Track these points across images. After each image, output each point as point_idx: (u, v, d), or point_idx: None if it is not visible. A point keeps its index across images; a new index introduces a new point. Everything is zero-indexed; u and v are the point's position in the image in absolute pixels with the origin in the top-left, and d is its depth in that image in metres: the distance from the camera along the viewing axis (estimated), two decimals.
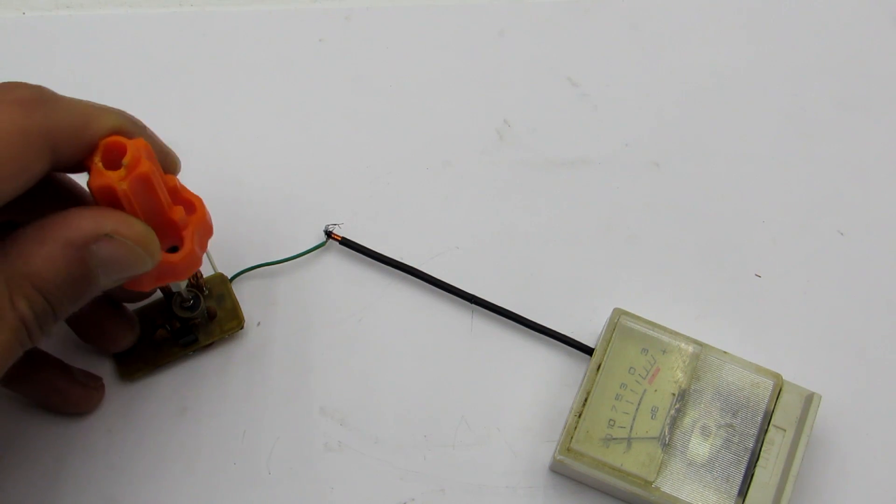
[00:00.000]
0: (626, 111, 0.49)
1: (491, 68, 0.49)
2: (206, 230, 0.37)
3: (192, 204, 0.36)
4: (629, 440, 0.39)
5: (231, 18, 0.50)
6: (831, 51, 0.51)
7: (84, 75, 0.48)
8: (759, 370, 0.40)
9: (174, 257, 0.35)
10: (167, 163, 0.37)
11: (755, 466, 0.39)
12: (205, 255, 0.43)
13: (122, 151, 0.32)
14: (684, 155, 0.48)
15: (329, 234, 0.44)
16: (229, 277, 0.43)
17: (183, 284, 0.40)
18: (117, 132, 0.33)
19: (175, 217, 0.34)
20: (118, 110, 0.34)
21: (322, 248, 0.44)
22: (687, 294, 0.45)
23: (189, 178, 0.45)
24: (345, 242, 0.44)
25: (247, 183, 0.46)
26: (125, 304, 0.41)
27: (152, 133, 0.36)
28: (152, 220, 0.34)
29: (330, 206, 0.46)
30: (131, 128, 0.34)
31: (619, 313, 0.41)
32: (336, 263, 0.45)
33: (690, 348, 0.40)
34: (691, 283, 0.45)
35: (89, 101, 0.34)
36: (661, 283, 0.45)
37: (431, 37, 0.50)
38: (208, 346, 0.42)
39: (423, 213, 0.46)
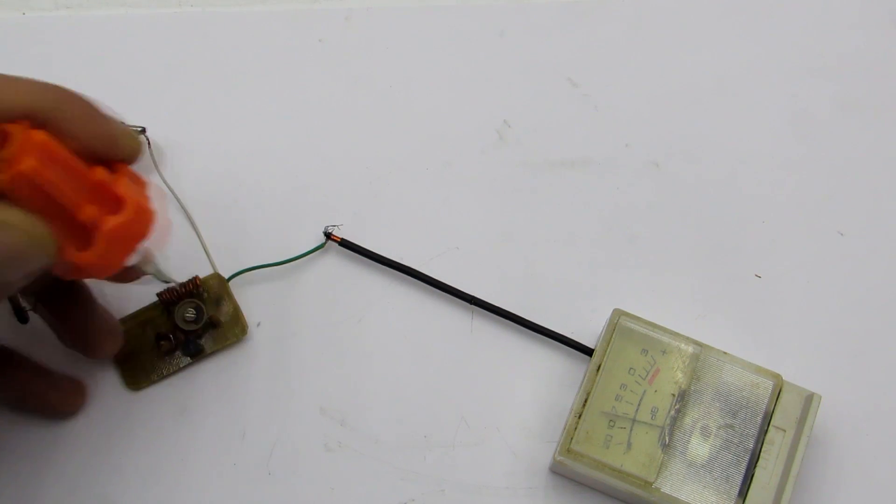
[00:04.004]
0: (627, 111, 0.49)
1: (491, 68, 0.49)
2: (134, 233, 0.33)
3: (120, 202, 0.32)
4: (629, 441, 0.39)
5: (231, 19, 0.50)
6: (831, 51, 0.50)
7: (84, 75, 0.48)
8: (759, 370, 0.40)
9: (79, 257, 0.32)
10: (107, 150, 0.33)
11: (755, 467, 0.39)
12: (205, 255, 0.44)
13: (6, 141, 0.29)
14: (684, 155, 0.48)
15: (328, 236, 0.44)
16: (227, 278, 0.43)
17: (149, 268, 0.37)
18: (26, 116, 0.30)
19: (81, 217, 0.31)
20: (39, 87, 0.31)
21: (321, 249, 0.44)
22: (687, 294, 0.45)
23: (189, 178, 0.46)
24: (344, 244, 0.44)
25: (246, 183, 0.46)
26: (109, 313, 0.40)
27: (91, 115, 0.32)
28: (53, 215, 0.31)
29: (329, 207, 0.46)
30: (48, 111, 0.30)
31: (618, 314, 0.41)
32: (335, 265, 0.45)
33: (690, 349, 0.40)
34: (691, 283, 0.45)
35: (3, 76, 0.31)
36: (661, 283, 0.45)
37: (431, 37, 0.50)
38: None
39: (423, 213, 0.46)
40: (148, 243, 0.34)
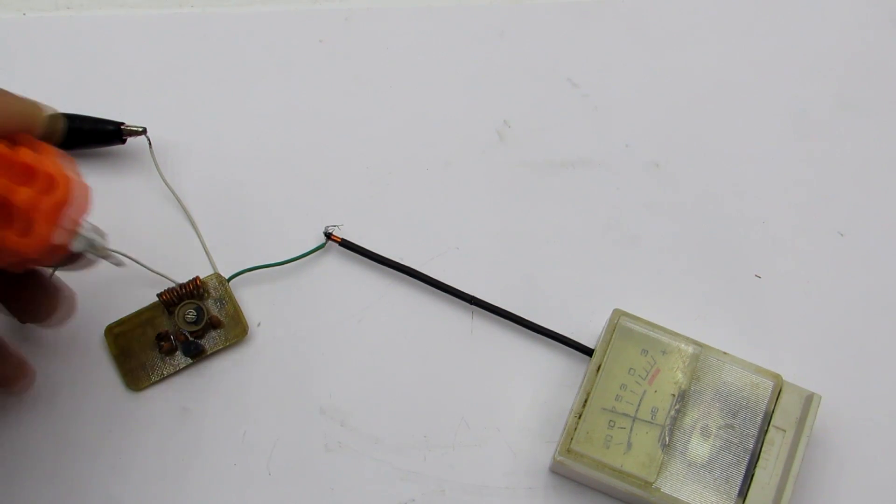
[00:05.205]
0: (626, 111, 0.49)
1: (491, 69, 0.49)
2: (73, 208, 0.31)
3: (51, 180, 0.31)
4: (629, 441, 0.39)
5: (231, 19, 0.50)
6: (831, 51, 0.50)
7: (84, 75, 0.48)
8: (759, 370, 0.40)
9: (20, 243, 0.30)
10: (26, 128, 0.32)
11: (755, 467, 0.39)
12: (205, 255, 0.44)
13: None
14: (684, 155, 0.48)
15: (329, 236, 0.44)
16: (227, 278, 0.43)
17: (78, 244, 0.34)
18: None
19: (15, 200, 0.30)
20: None
21: (321, 249, 0.44)
22: (687, 294, 0.45)
23: (189, 178, 0.46)
24: (344, 244, 0.44)
25: (247, 184, 0.46)
26: (58, 277, 0.38)
27: (1, 95, 0.31)
28: None
29: (330, 208, 0.46)
30: None
31: (618, 314, 0.41)
32: (336, 265, 0.45)
33: (690, 349, 0.40)
34: (691, 283, 0.45)
35: None
36: (661, 283, 0.45)
37: (431, 37, 0.50)
38: None
39: (423, 213, 0.46)
40: (89, 218, 0.33)
